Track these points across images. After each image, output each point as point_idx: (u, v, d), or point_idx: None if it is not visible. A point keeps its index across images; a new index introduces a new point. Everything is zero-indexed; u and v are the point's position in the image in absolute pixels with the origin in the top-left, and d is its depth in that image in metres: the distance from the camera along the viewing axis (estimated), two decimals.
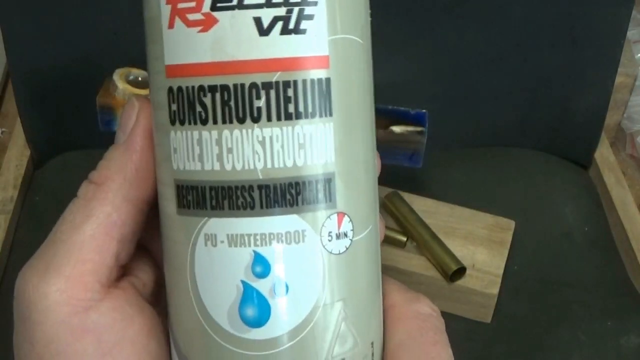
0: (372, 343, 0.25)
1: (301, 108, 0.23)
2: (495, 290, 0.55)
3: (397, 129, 0.56)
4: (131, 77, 0.57)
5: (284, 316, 0.23)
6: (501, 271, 0.56)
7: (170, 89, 0.24)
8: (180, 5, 0.23)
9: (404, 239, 0.57)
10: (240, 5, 0.23)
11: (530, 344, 0.55)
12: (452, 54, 0.66)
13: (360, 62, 0.25)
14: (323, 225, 0.24)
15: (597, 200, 0.68)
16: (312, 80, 0.23)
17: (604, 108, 0.68)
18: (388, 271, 0.56)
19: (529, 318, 0.57)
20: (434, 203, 0.61)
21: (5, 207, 0.63)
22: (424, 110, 0.57)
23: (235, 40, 0.23)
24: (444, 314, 0.27)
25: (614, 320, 0.57)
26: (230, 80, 0.23)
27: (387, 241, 0.57)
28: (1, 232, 0.61)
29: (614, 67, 0.66)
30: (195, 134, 0.24)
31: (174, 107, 0.24)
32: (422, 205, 0.60)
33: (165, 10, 0.24)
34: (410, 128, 0.56)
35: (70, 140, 0.68)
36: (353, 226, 0.24)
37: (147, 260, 0.28)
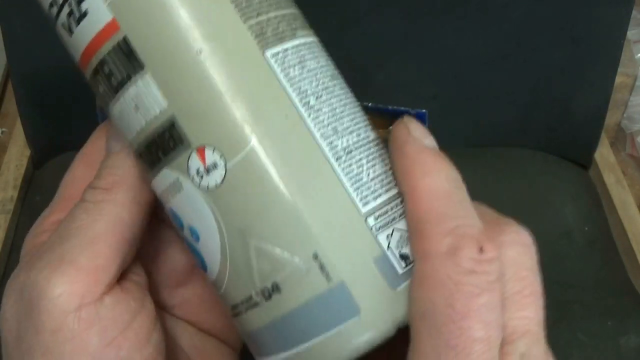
0: (314, 255, 0.22)
1: (119, 77, 0.24)
2: None
3: None
4: None
5: (209, 259, 0.24)
6: None
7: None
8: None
9: None
10: (53, 19, 0.24)
11: None
12: (452, 54, 0.66)
13: (157, 5, 0.23)
14: (188, 167, 0.23)
15: (597, 200, 0.68)
16: (114, 48, 0.23)
17: (604, 108, 0.68)
18: None
19: None
20: None
21: (5, 207, 0.63)
22: (424, 110, 0.57)
23: (69, 47, 0.25)
24: None
25: (614, 320, 0.57)
26: (85, 77, 0.25)
27: None
28: (1, 232, 0.61)
29: (614, 67, 0.66)
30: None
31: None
32: None
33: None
34: None
35: (70, 140, 0.68)
36: (222, 153, 0.23)
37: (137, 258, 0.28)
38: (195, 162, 0.23)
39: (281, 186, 0.23)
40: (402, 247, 0.23)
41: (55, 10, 0.24)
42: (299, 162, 0.23)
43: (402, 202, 0.24)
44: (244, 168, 0.23)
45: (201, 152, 0.23)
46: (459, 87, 0.68)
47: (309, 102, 0.23)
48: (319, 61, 0.24)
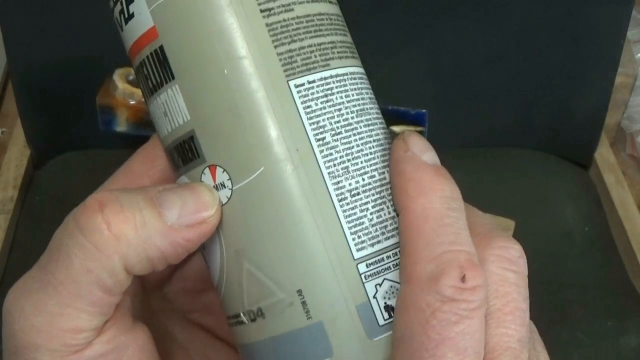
0: (298, 290, 0.22)
1: (154, 81, 0.24)
2: None
3: (397, 129, 0.56)
4: (131, 77, 0.57)
5: (212, 269, 0.25)
6: None
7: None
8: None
9: None
10: (111, 11, 0.26)
11: None
12: (452, 54, 0.66)
13: (192, 21, 0.23)
14: (201, 181, 0.24)
15: (597, 200, 0.68)
16: (151, 54, 0.24)
17: (604, 108, 0.68)
18: None
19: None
20: None
21: (5, 207, 0.63)
22: (424, 110, 0.57)
23: (122, 39, 0.26)
24: None
25: (614, 320, 0.57)
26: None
27: None
28: (1, 232, 0.61)
29: (614, 67, 0.66)
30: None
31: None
32: None
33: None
34: (410, 128, 0.56)
35: (70, 140, 0.68)
36: (230, 175, 0.23)
37: None
38: (207, 178, 0.23)
39: (277, 219, 0.23)
40: (389, 298, 0.23)
41: (111, 4, 0.25)
42: (301, 198, 0.22)
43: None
44: (246, 194, 0.23)
45: (213, 170, 0.23)
46: (459, 87, 0.68)
47: (324, 138, 0.23)
48: (347, 95, 0.24)
